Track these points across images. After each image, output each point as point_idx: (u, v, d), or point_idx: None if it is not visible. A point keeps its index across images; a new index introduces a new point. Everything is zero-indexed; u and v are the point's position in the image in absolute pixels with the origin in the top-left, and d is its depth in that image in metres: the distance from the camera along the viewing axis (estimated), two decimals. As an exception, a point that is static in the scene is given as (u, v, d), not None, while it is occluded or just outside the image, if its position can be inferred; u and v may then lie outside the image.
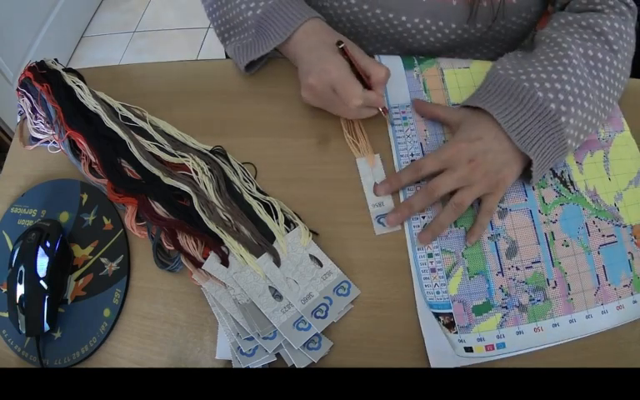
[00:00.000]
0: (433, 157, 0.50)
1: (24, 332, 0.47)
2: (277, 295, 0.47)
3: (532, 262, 0.49)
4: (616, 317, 0.47)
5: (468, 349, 0.45)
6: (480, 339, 0.46)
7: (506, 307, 0.47)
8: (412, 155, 0.54)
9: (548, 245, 0.50)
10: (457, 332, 0.46)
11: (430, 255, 0.49)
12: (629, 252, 0.50)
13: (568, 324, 0.47)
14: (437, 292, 0.48)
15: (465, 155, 0.49)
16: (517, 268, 0.49)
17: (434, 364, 0.45)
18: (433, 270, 0.49)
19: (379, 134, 0.56)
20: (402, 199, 0.52)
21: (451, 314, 0.47)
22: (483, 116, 0.51)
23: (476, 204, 0.51)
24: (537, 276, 0.48)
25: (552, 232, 0.50)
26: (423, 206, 0.50)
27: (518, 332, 0.46)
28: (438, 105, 0.56)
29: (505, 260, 0.49)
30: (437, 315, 0.47)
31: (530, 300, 0.48)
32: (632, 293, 0.48)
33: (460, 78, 0.59)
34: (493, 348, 0.45)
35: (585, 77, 0.50)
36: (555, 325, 0.47)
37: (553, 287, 0.48)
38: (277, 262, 0.49)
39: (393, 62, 0.60)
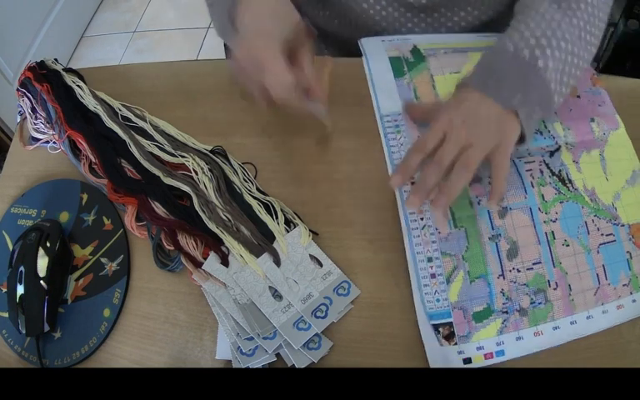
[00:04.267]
0: (431, 131, 0.49)
1: (24, 332, 0.47)
2: (277, 295, 0.47)
3: (533, 264, 0.49)
4: (616, 317, 0.47)
5: (467, 360, 0.45)
6: (479, 348, 0.46)
7: (506, 312, 0.47)
8: None
9: (549, 245, 0.50)
10: (456, 343, 0.46)
11: (430, 259, 0.49)
12: (627, 252, 0.50)
13: (569, 325, 0.47)
14: (438, 300, 0.47)
15: (457, 119, 0.48)
16: (519, 270, 0.49)
17: (433, 366, 0.45)
18: (433, 275, 0.48)
19: (373, 144, 0.56)
20: (399, 203, 0.52)
21: (451, 324, 0.46)
22: (463, 88, 0.51)
23: (475, 202, 0.51)
24: (538, 278, 0.48)
25: (552, 232, 0.50)
26: (436, 179, 0.47)
27: (518, 338, 0.46)
28: (426, 103, 0.56)
29: (506, 262, 0.49)
30: (436, 327, 0.46)
31: (531, 303, 0.47)
32: (631, 292, 0.48)
33: (451, 84, 0.58)
34: (492, 356, 0.45)
35: (557, 18, 0.50)
36: (556, 328, 0.47)
37: (554, 289, 0.48)
38: (277, 262, 0.49)
39: (382, 69, 0.60)
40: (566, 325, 0.47)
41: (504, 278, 0.48)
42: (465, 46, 0.62)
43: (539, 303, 0.47)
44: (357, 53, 0.66)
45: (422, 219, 0.51)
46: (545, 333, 0.46)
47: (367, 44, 0.63)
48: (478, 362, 0.45)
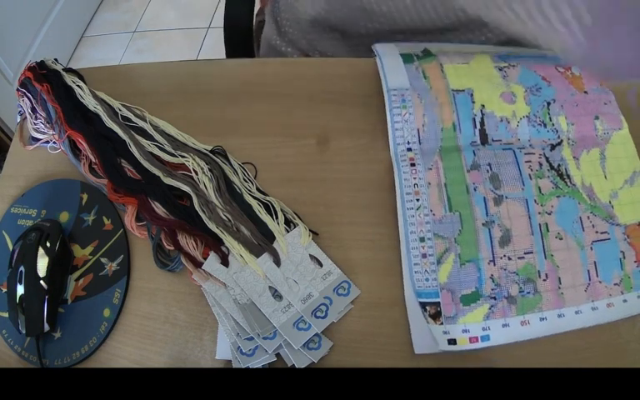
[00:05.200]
0: None
1: (24, 332, 0.47)
2: (277, 295, 0.47)
3: (525, 253, 0.49)
4: (606, 315, 0.47)
5: (452, 341, 0.46)
6: (465, 330, 0.46)
7: (494, 298, 0.47)
8: (408, 143, 0.54)
9: (542, 236, 0.50)
10: (442, 323, 0.46)
11: (422, 239, 0.49)
12: (621, 251, 0.50)
13: (557, 319, 0.47)
14: (427, 280, 0.48)
15: None
16: (510, 258, 0.49)
17: (417, 351, 0.45)
18: (424, 255, 0.49)
19: (374, 144, 0.56)
20: (397, 181, 0.52)
21: (438, 304, 0.47)
22: None
23: (471, 188, 0.51)
24: (529, 267, 0.49)
25: (546, 224, 0.50)
26: None
27: (504, 325, 0.46)
28: None
29: (498, 248, 0.49)
30: (423, 305, 0.47)
31: (520, 292, 0.48)
32: (622, 292, 0.48)
33: (459, 71, 0.58)
34: (477, 341, 0.46)
35: None
36: (543, 319, 0.47)
37: (544, 280, 0.48)
38: (277, 262, 0.49)
39: (392, 53, 0.60)
40: (554, 317, 0.47)
41: (494, 265, 0.48)
42: (474, 51, 0.62)
43: (528, 293, 0.48)
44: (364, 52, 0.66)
45: (417, 200, 0.51)
46: (532, 323, 0.47)
47: (381, 46, 0.63)
48: (463, 344, 0.45)
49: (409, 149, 0.54)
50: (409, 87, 0.57)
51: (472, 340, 0.46)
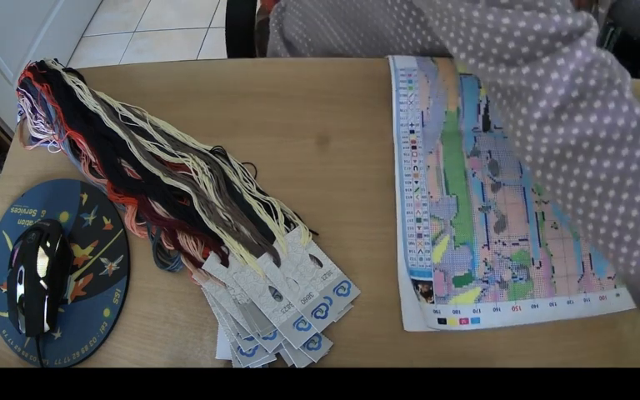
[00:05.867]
0: None
1: (24, 332, 0.47)
2: (277, 295, 0.47)
3: (520, 239, 0.49)
4: (598, 307, 0.47)
5: (442, 321, 0.46)
6: (456, 311, 0.46)
7: (487, 282, 0.48)
8: (411, 125, 0.54)
9: (537, 225, 0.50)
10: (433, 302, 0.46)
11: (418, 219, 0.50)
12: None
13: (548, 307, 0.47)
14: (420, 259, 0.48)
15: None
16: (504, 243, 0.49)
17: (407, 328, 0.46)
18: (420, 236, 0.49)
19: (374, 144, 0.56)
20: (396, 160, 0.53)
21: (430, 283, 0.47)
22: None
23: (470, 173, 0.51)
24: (523, 254, 0.49)
25: (542, 213, 0.51)
26: None
27: (495, 309, 0.47)
28: None
29: (493, 233, 0.49)
30: (416, 283, 0.47)
31: (512, 277, 0.48)
32: (615, 286, 0.48)
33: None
34: (467, 322, 0.46)
35: None
36: (534, 306, 0.47)
37: (537, 268, 0.48)
38: (277, 262, 0.49)
39: None
40: (545, 306, 0.47)
41: (489, 249, 0.49)
42: None
43: (520, 279, 0.48)
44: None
45: (416, 182, 0.52)
46: (523, 309, 0.47)
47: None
48: (453, 325, 0.46)
49: (412, 131, 0.54)
50: (417, 68, 0.57)
51: (463, 321, 0.46)
